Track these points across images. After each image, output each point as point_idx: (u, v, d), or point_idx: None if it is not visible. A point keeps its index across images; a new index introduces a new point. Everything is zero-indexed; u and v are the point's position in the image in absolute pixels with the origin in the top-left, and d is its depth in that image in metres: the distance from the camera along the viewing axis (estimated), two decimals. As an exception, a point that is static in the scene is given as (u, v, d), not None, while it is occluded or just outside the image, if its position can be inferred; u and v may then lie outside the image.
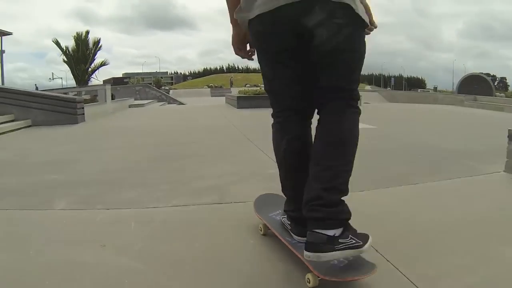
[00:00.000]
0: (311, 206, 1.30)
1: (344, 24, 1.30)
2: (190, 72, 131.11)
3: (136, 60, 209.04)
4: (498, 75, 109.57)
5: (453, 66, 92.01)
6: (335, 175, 1.32)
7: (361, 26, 1.40)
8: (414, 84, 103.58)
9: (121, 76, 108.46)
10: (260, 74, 1.64)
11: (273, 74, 1.53)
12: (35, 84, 38.39)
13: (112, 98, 14.67)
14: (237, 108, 12.01)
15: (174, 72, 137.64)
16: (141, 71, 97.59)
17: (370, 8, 1.48)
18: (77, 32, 15.39)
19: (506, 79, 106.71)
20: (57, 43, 14.80)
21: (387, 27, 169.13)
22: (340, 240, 1.25)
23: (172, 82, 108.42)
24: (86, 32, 15.90)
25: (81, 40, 15.27)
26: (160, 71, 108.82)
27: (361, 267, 1.32)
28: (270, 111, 1.63)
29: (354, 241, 1.26)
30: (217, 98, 33.88)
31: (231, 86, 50.50)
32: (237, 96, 12.23)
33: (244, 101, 12.18)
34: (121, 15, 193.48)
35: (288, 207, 1.63)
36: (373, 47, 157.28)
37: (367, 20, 1.41)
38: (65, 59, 14.95)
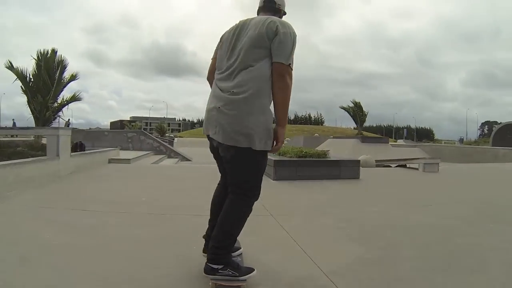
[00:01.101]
0: (209, 249, 2.19)
1: (229, 154, 2.19)
2: (199, 120, 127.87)
3: (144, 104, 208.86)
4: (499, 122, 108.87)
5: (467, 114, 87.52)
6: (218, 239, 2.15)
7: (245, 152, 2.11)
8: (423, 135, 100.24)
9: (129, 119, 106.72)
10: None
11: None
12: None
13: (81, 149, 9.82)
14: (274, 180, 7.10)
15: (182, 119, 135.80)
16: (148, 115, 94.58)
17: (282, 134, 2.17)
18: (39, 51, 10.60)
19: None
20: (10, 67, 10.00)
21: (393, 79, 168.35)
22: (220, 271, 2.11)
23: (180, 129, 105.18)
24: (52, 50, 11.02)
25: (43, 60, 10.42)
26: (168, 116, 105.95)
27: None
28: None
29: (231, 273, 2.11)
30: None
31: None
32: (274, 160, 7.31)
33: (286, 169, 7.31)
34: (131, 59, 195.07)
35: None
36: (380, 99, 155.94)
37: (259, 146, 2.10)
38: (23, 87, 10.13)
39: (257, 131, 2.08)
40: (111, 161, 10.32)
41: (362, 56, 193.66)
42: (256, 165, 2.20)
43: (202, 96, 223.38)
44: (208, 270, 2.13)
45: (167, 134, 49.44)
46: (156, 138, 16.78)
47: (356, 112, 46.08)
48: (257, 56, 2.12)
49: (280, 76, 2.08)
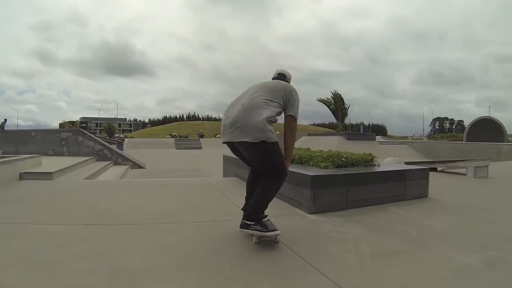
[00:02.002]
0: (247, 210, 3.00)
1: (246, 149, 3.00)
2: (150, 119, 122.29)
3: (94, 105, 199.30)
4: (450, 119, 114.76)
5: (421, 111, 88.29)
6: (255, 205, 2.94)
7: (258, 146, 2.86)
8: (376, 131, 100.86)
9: (78, 120, 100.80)
10: None
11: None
12: None
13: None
14: (313, 213, 3.84)
15: (133, 119, 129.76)
16: (98, 116, 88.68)
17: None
18: None
19: (463, 122, 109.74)
20: None
21: (344, 77, 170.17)
22: (252, 226, 2.87)
23: (131, 130, 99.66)
24: None
25: None
26: (119, 117, 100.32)
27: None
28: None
29: (259, 229, 2.86)
30: (188, 153, 25.60)
31: (200, 137, 42.19)
32: (312, 176, 4.02)
33: (330, 191, 4.07)
34: (80, 58, 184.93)
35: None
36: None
37: (267, 138, 2.84)
38: None
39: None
40: (24, 176, 6.82)
41: (312, 55, 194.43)
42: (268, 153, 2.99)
43: (152, 96, 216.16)
44: (243, 225, 2.97)
45: (116, 135, 44.84)
46: (98, 139, 13.06)
47: (338, 105, 42.58)
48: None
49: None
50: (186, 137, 46.25)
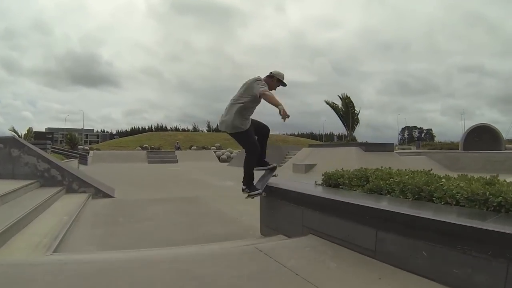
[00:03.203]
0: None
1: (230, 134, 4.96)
2: (118, 130, 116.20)
3: (60, 116, 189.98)
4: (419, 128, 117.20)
5: (399, 120, 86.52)
6: (244, 176, 5.10)
7: (234, 135, 4.91)
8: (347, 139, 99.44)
9: (44, 131, 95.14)
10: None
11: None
12: None
13: None
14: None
15: (101, 130, 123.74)
16: (64, 127, 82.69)
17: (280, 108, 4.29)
18: None
19: (432, 131, 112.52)
20: None
21: (310, 87, 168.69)
22: (245, 189, 5.08)
23: (98, 141, 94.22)
24: None
25: None
26: (86, 128, 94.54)
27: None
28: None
29: (248, 191, 5.06)
30: (164, 168, 21.47)
31: (177, 149, 37.89)
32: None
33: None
34: (45, 68, 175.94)
35: None
36: (298, 107, 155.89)
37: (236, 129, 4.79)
38: None
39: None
40: None
41: (278, 65, 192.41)
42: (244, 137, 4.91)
43: (118, 107, 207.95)
44: (243, 189, 5.10)
45: (81, 146, 40.02)
46: (44, 154, 8.95)
47: (350, 110, 38.74)
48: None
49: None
50: (159, 149, 41.94)
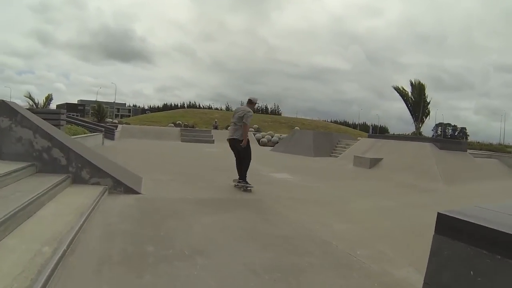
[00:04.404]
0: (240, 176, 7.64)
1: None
2: (149, 106, 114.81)
3: (93, 89, 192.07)
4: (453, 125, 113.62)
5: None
6: (243, 173, 7.59)
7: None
8: (380, 132, 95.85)
9: (76, 102, 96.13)
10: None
11: None
12: None
13: None
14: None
15: (133, 105, 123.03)
16: (96, 99, 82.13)
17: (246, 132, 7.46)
18: None
19: (466, 129, 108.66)
20: None
21: (344, 75, 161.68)
22: (240, 183, 7.50)
23: (130, 115, 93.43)
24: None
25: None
26: (117, 102, 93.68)
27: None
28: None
29: (242, 184, 7.43)
30: (200, 149, 18.75)
31: (214, 128, 35.12)
32: None
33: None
34: (79, 42, 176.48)
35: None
36: (330, 95, 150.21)
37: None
38: None
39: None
40: None
41: (312, 51, 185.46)
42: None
43: (151, 83, 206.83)
44: (239, 181, 7.48)
45: (109, 119, 37.93)
46: (44, 127, 6.20)
47: (422, 98, 33.40)
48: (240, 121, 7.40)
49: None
50: (193, 127, 39.51)
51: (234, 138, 7.47)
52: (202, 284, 2.84)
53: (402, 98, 34.87)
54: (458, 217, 2.53)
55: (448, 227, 2.55)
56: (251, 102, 7.82)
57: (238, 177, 7.64)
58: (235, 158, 7.83)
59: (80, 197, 5.02)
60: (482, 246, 2.29)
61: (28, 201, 3.82)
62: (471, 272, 2.31)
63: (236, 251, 3.65)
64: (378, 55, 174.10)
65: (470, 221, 2.44)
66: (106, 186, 5.94)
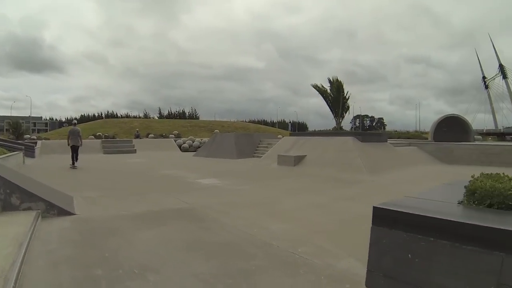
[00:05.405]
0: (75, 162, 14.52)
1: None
2: (66, 118, 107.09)
3: (4, 103, 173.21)
4: (370, 116, 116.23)
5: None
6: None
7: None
8: (299, 128, 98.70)
9: None
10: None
11: None
12: None
13: None
14: None
15: (50, 118, 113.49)
16: (9, 114, 74.31)
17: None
18: None
19: (383, 119, 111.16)
20: None
21: (258, 73, 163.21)
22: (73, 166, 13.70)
23: (47, 129, 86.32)
24: None
25: None
26: (33, 115, 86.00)
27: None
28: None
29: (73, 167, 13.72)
30: (125, 160, 17.98)
31: (136, 137, 33.61)
32: None
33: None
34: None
35: None
36: (251, 94, 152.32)
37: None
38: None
39: None
40: None
41: (224, 52, 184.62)
42: None
43: (65, 94, 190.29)
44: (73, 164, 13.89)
45: (27, 135, 34.77)
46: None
47: (340, 95, 33.63)
48: None
49: None
50: (114, 137, 37.68)
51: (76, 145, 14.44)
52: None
53: (321, 95, 35.89)
54: (392, 208, 2.83)
55: (384, 218, 2.83)
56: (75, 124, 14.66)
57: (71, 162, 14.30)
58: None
59: (14, 226, 4.62)
60: (416, 231, 2.60)
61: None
62: (409, 255, 2.60)
63: (183, 263, 3.64)
64: (293, 52, 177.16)
65: (404, 211, 2.75)
66: (39, 211, 5.51)
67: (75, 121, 19.53)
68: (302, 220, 5.66)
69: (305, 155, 14.01)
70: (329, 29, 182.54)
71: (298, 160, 13.76)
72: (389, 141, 18.13)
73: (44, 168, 14.41)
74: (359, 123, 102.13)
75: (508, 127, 70.43)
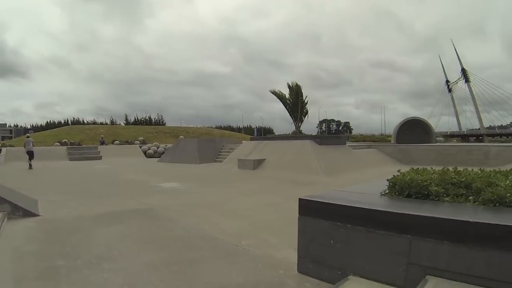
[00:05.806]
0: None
1: None
2: (32, 125, 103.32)
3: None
4: (337, 120, 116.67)
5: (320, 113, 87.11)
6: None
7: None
8: (265, 133, 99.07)
9: None
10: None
11: None
12: None
13: None
14: None
15: (14, 125, 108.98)
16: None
17: None
18: None
19: (349, 124, 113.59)
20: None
21: (223, 79, 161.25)
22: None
23: (11, 136, 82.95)
24: None
25: None
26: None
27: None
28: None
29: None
30: (91, 167, 17.94)
31: (101, 144, 33.12)
32: None
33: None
34: None
35: None
36: (216, 101, 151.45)
37: None
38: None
39: None
40: None
41: (189, 56, 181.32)
42: None
43: (29, 100, 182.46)
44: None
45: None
46: None
47: (299, 100, 33.67)
48: None
49: None
50: (79, 144, 36.98)
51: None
52: (111, 283, 3.21)
53: (280, 101, 36.21)
54: (314, 199, 3.32)
55: (309, 208, 3.33)
56: (28, 136, 17.53)
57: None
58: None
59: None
60: (336, 219, 3.08)
61: None
62: (331, 241, 3.08)
63: (137, 254, 4.06)
64: (259, 56, 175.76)
65: (324, 201, 3.24)
66: (5, 212, 5.75)
67: (29, 134, 25.05)
68: (252, 217, 6.13)
69: (265, 159, 14.47)
70: (295, 32, 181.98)
71: (258, 163, 14.20)
72: (350, 144, 18.85)
73: (10, 174, 14.34)
74: (325, 127, 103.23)
75: (472, 129, 73.90)
